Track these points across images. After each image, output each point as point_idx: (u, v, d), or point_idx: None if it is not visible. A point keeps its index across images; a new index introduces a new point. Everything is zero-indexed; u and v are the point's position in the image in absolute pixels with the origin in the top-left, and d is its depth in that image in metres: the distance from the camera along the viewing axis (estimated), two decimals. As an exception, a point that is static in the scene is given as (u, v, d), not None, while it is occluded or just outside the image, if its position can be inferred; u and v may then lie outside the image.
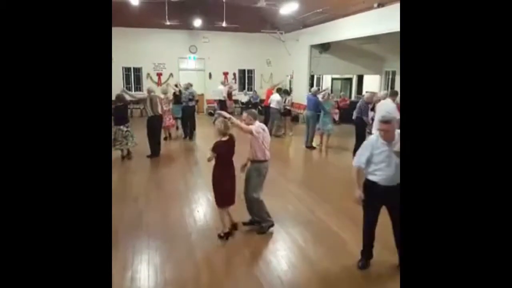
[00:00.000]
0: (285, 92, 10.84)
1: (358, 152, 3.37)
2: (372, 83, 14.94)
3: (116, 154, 7.56)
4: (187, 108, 9.81)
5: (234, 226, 4.28)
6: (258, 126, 4.11)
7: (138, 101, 8.78)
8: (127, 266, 3.55)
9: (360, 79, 16.11)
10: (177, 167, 7.45)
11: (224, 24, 12.05)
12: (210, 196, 5.31)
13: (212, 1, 12.01)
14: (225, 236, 4.10)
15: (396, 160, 3.08)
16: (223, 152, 3.97)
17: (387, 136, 3.15)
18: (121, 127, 7.37)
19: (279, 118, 10.34)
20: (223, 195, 4.07)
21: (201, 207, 5.17)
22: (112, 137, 7.22)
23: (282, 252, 3.89)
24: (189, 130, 9.91)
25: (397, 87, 12.82)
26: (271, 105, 10.23)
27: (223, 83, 13.41)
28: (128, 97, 8.07)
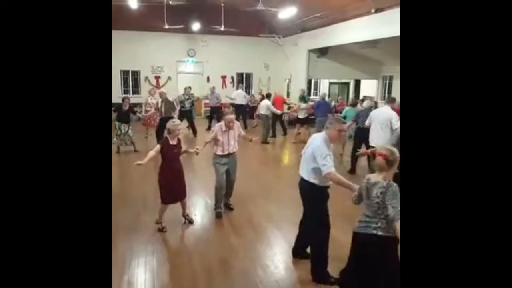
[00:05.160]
0: (302, 99, 10.58)
1: (326, 158, 3.09)
2: (370, 88, 15.00)
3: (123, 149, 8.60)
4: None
5: (186, 218, 4.65)
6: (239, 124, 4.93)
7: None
8: (124, 269, 3.53)
9: (358, 83, 16.18)
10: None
11: (222, 28, 12.09)
12: (208, 199, 5.31)
13: (211, 5, 12.07)
14: (163, 229, 4.39)
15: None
16: (165, 148, 4.21)
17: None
18: (123, 125, 8.42)
19: (268, 124, 10.36)
20: (164, 192, 4.31)
21: (198, 211, 5.15)
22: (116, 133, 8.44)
23: (279, 257, 3.88)
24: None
25: (394, 92, 12.87)
26: (261, 112, 10.36)
27: (240, 87, 13.37)
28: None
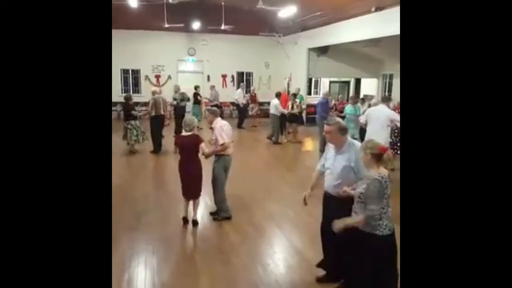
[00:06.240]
0: (294, 96, 10.58)
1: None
2: (370, 86, 15.00)
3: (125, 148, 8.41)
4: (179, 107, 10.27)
5: (184, 220, 4.61)
6: (221, 125, 4.55)
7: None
8: (124, 268, 3.54)
9: (358, 82, 16.18)
10: (176, 167, 7.43)
11: (223, 27, 12.09)
12: (208, 199, 5.31)
13: (211, 4, 12.06)
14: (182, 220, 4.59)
15: (338, 168, 2.97)
16: (179, 144, 4.55)
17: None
18: (127, 123, 8.21)
19: (277, 124, 10.14)
20: (182, 186, 4.58)
21: (199, 210, 5.15)
22: (124, 133, 8.30)
23: (279, 255, 3.88)
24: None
25: (394, 91, 12.87)
26: (271, 111, 10.24)
27: (241, 87, 13.55)
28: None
